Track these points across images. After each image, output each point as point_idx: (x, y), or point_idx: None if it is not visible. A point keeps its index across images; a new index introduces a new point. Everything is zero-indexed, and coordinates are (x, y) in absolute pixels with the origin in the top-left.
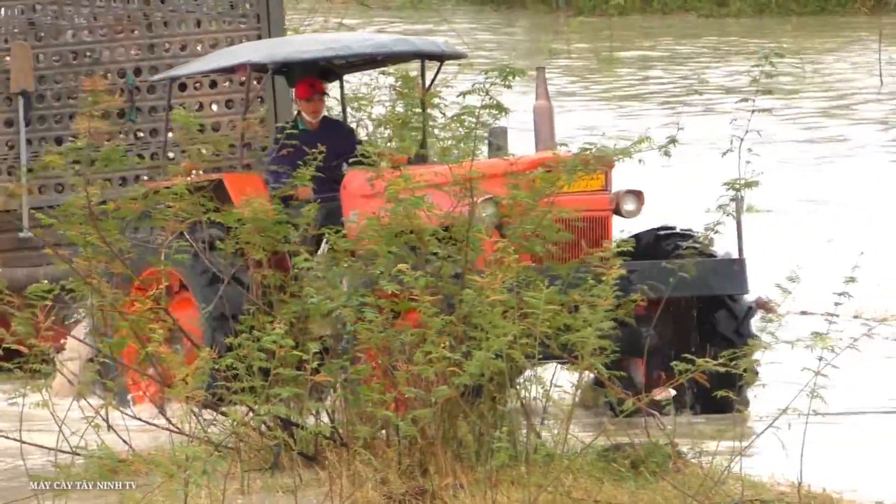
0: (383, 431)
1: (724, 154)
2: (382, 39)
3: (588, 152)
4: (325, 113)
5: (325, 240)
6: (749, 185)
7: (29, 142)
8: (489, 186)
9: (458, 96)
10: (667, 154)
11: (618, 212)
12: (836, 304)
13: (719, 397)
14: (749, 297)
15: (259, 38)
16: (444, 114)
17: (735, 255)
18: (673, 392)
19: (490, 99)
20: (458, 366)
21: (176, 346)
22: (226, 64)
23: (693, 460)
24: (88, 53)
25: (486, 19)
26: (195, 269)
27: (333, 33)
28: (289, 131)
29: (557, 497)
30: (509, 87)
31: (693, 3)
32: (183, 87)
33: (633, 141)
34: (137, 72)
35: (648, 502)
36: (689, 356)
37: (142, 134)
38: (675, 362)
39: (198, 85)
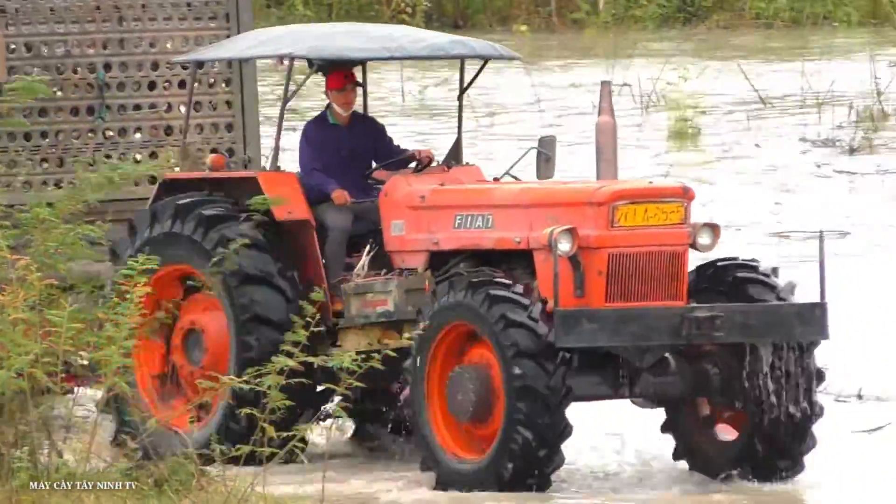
0: None
1: None
2: (439, 41)
3: None
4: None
5: (367, 248)
6: None
7: None
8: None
9: None
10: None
11: (692, 245)
12: None
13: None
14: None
15: (228, 38)
16: None
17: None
18: (735, 433)
19: None
20: None
21: (195, 350)
22: (265, 53)
23: (217, 478)
24: (59, 45)
25: None
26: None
27: (375, 28)
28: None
29: None
30: None
31: None
32: (152, 85)
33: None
34: (107, 67)
35: None
36: None
37: (111, 133)
38: None
39: (167, 84)
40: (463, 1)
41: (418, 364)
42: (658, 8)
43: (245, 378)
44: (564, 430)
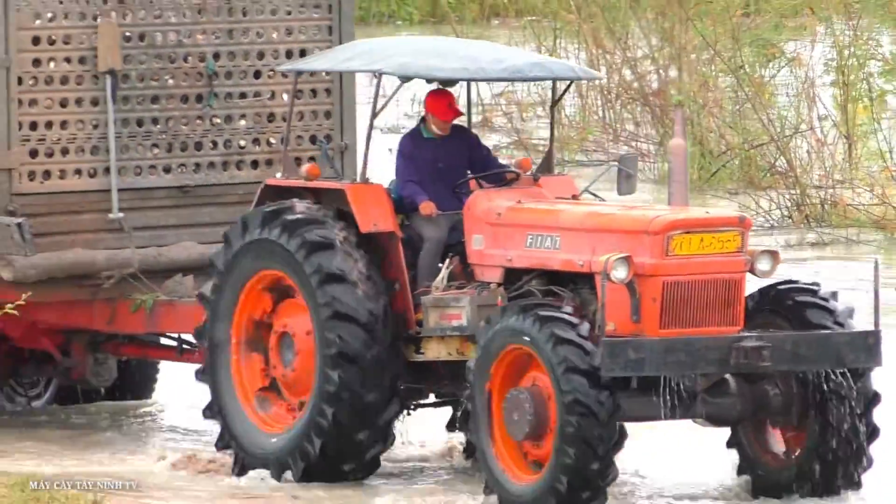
0: None
1: None
2: (518, 63)
3: None
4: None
5: (447, 261)
6: None
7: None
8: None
9: None
10: None
11: (751, 271)
12: None
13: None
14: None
15: (329, 28)
16: None
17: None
18: (783, 447)
19: None
20: None
21: (287, 353)
22: (358, 67)
23: None
24: (173, 35)
25: None
26: (304, 270)
27: (463, 46)
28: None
29: None
30: None
31: None
32: (257, 74)
33: None
34: (216, 56)
35: None
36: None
37: (218, 120)
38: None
39: (271, 73)
40: None
41: (477, 386)
42: None
43: None
44: (617, 442)
